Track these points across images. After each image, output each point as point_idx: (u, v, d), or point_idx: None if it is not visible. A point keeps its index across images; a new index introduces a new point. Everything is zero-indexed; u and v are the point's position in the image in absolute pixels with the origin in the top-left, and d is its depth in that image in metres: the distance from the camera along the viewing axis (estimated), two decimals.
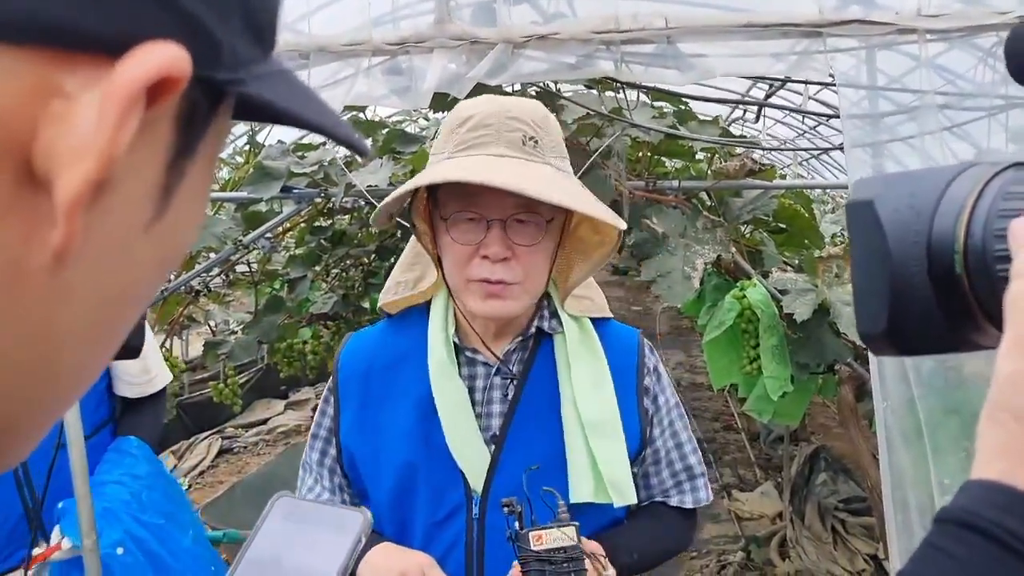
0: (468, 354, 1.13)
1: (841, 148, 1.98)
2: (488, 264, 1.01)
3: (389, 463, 1.11)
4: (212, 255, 2.93)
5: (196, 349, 6.48)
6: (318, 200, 2.58)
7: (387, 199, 1.02)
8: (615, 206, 2.23)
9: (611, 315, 1.22)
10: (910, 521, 1.63)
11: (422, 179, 0.98)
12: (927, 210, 0.44)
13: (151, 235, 0.27)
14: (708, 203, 2.51)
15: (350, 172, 2.50)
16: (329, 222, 3.34)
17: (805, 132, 5.81)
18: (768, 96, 3.75)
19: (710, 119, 2.80)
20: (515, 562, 0.94)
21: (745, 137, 4.50)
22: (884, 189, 0.46)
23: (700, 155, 2.84)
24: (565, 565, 0.89)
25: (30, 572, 1.66)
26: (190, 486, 5.14)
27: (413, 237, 1.16)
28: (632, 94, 2.44)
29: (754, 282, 2.43)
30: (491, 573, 1.06)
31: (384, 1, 2.00)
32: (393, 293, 1.21)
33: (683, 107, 2.64)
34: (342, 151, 3.12)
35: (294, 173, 2.50)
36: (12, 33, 0.21)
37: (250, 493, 4.10)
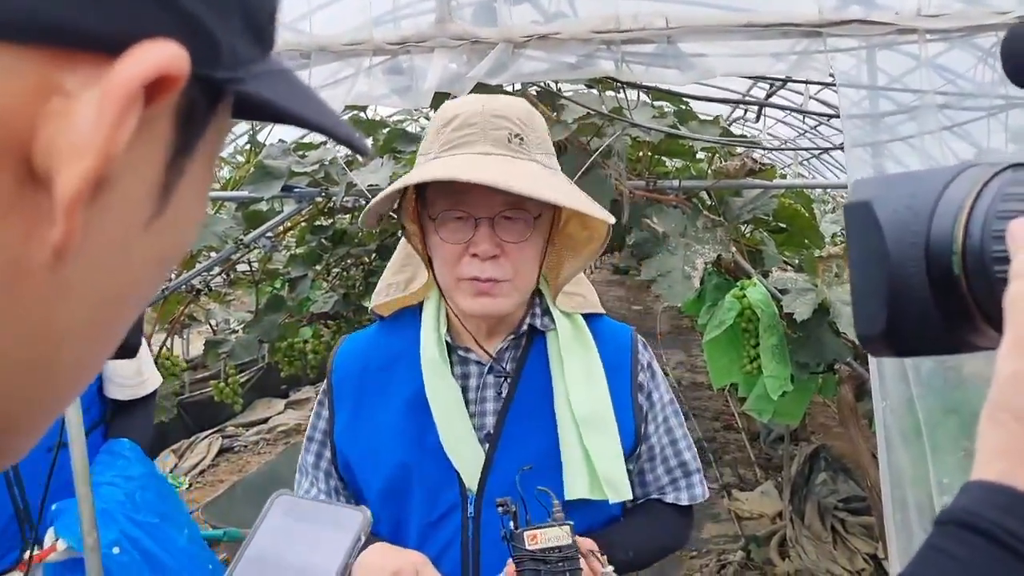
0: (461, 353, 1.13)
1: (841, 148, 1.99)
2: (478, 262, 1.02)
3: (383, 463, 1.11)
4: (213, 254, 2.93)
5: (197, 348, 6.49)
6: (319, 199, 2.59)
7: (374, 200, 1.03)
8: (615, 205, 2.23)
9: (603, 311, 1.22)
10: (909, 520, 1.64)
11: (409, 179, 0.99)
12: (925, 211, 0.44)
13: (151, 233, 0.28)
14: (708, 203, 2.52)
15: (351, 171, 2.50)
16: (330, 221, 3.34)
17: (806, 132, 5.81)
18: (769, 96, 3.75)
19: (710, 119, 2.80)
20: (509, 560, 0.94)
21: (746, 137, 4.50)
22: (882, 190, 0.46)
23: (700, 155, 2.84)
24: (560, 564, 0.89)
25: (25, 574, 1.67)
26: (191, 485, 5.14)
27: (403, 239, 1.17)
28: (632, 94, 2.44)
29: (754, 281, 2.44)
30: (487, 572, 1.06)
31: (385, 1, 2.01)
32: (384, 295, 1.21)
33: (683, 107, 2.64)
34: (343, 150, 3.12)
35: (295, 172, 2.51)
36: (13, 32, 0.21)
37: (250, 492, 4.10)
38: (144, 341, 2.43)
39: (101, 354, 0.30)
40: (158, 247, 0.29)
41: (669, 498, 1.21)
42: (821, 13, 1.68)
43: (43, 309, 0.24)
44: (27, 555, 1.66)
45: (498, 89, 2.01)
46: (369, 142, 3.05)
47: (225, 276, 3.62)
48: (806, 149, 5.63)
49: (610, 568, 0.96)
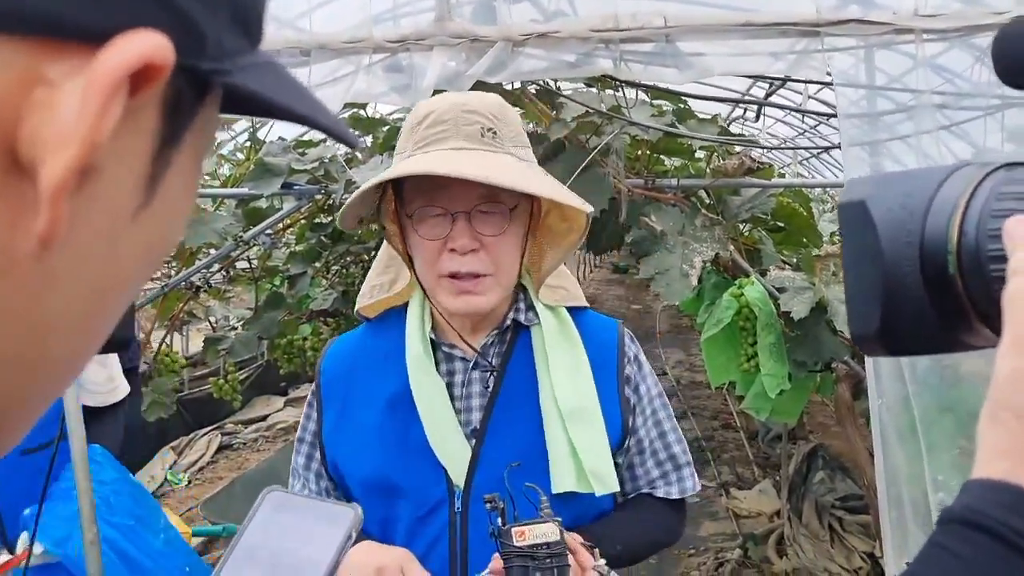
0: (445, 349, 1.13)
1: (839, 147, 1.99)
2: (457, 257, 1.02)
3: (369, 462, 1.11)
4: (213, 251, 2.93)
5: (196, 345, 6.49)
6: (319, 197, 2.59)
7: (349, 200, 1.03)
8: (614, 204, 2.24)
9: (587, 304, 1.22)
10: (904, 518, 1.65)
11: (381, 177, 0.99)
12: (920, 210, 0.44)
13: (138, 224, 0.28)
14: (707, 201, 2.52)
15: (350, 169, 2.50)
16: (329, 219, 3.34)
17: (805, 131, 5.81)
18: (768, 95, 3.76)
19: (709, 118, 2.81)
20: (495, 554, 0.94)
21: (744, 136, 4.50)
22: (876, 189, 0.46)
23: (699, 153, 2.85)
24: (548, 561, 0.89)
25: None
26: (190, 482, 5.15)
27: (386, 241, 1.17)
28: (631, 92, 2.45)
29: (752, 280, 2.44)
30: (475, 566, 1.06)
31: None
32: (369, 297, 1.21)
33: (682, 105, 2.64)
34: (342, 148, 3.12)
35: (295, 170, 2.51)
36: None
37: (250, 488, 4.12)
38: (112, 350, 2.44)
39: (89, 347, 0.30)
40: (146, 238, 0.29)
41: (660, 492, 1.21)
42: (819, 13, 1.68)
43: (30, 300, 0.24)
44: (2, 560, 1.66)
45: (497, 87, 2.01)
46: (369, 140, 3.05)
47: (225, 273, 3.63)
48: (804, 148, 5.64)
49: (602, 561, 0.96)
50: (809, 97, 3.74)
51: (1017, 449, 0.38)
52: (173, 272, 3.14)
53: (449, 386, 1.11)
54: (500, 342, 1.14)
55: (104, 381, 1.98)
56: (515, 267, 1.08)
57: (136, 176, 0.27)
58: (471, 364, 1.12)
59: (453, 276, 1.03)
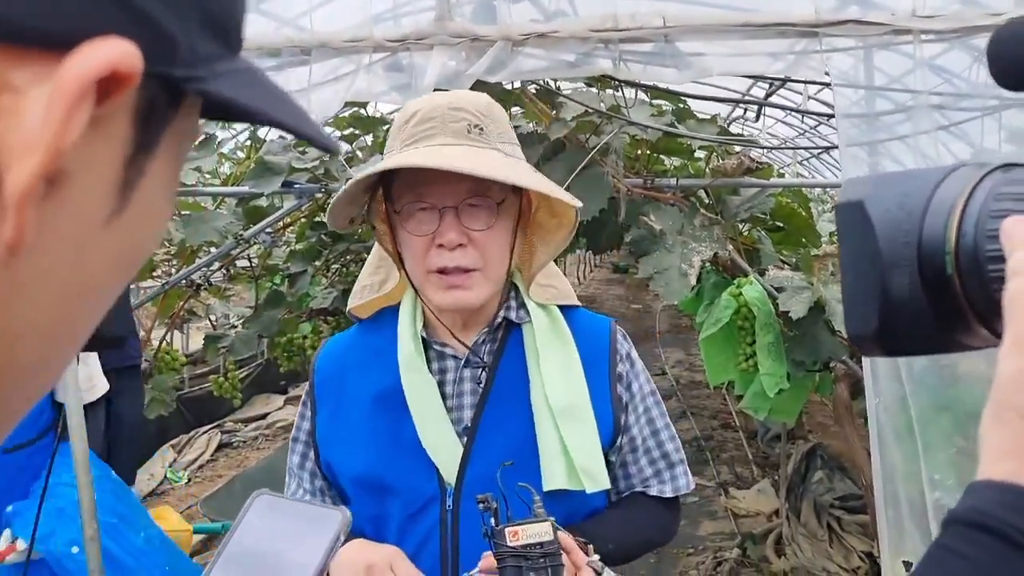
0: (437, 348, 1.13)
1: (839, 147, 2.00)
2: (446, 252, 1.02)
3: (362, 460, 1.11)
4: (213, 249, 2.94)
5: (196, 343, 6.50)
6: (319, 195, 2.60)
7: (336, 197, 1.04)
8: (613, 203, 2.25)
9: (578, 303, 1.22)
10: (901, 516, 1.65)
11: (366, 172, 1.00)
12: (917, 211, 0.44)
13: (111, 231, 0.27)
14: (706, 201, 2.53)
15: (351, 168, 2.51)
16: None
17: (806, 132, 5.82)
18: (768, 96, 3.76)
19: (708, 117, 2.81)
20: (485, 553, 0.93)
21: (744, 136, 4.51)
22: (874, 190, 0.46)
23: (699, 153, 2.85)
24: (542, 560, 0.88)
25: None
26: (190, 479, 5.16)
27: (377, 243, 1.18)
28: (631, 92, 2.46)
29: (751, 279, 2.45)
30: (466, 563, 1.06)
31: None
32: (359, 297, 1.22)
33: (681, 105, 2.65)
34: (343, 146, 3.13)
35: (295, 168, 2.52)
36: None
37: (249, 486, 4.10)
38: (106, 348, 2.45)
39: (63, 353, 0.29)
40: (119, 245, 0.29)
41: (653, 491, 1.20)
42: (817, 13, 1.69)
43: None
44: None
45: (497, 87, 2.02)
46: (369, 139, 3.06)
47: (225, 271, 3.63)
48: (803, 148, 5.64)
49: (596, 556, 0.96)
50: (809, 98, 3.75)
51: (1021, 449, 0.38)
52: (174, 270, 3.15)
53: (440, 384, 1.11)
54: (492, 340, 1.14)
55: (83, 379, 1.98)
56: (504, 262, 1.08)
57: (107, 183, 0.27)
58: (462, 362, 1.12)
59: (441, 272, 1.03)
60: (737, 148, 2.69)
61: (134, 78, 0.24)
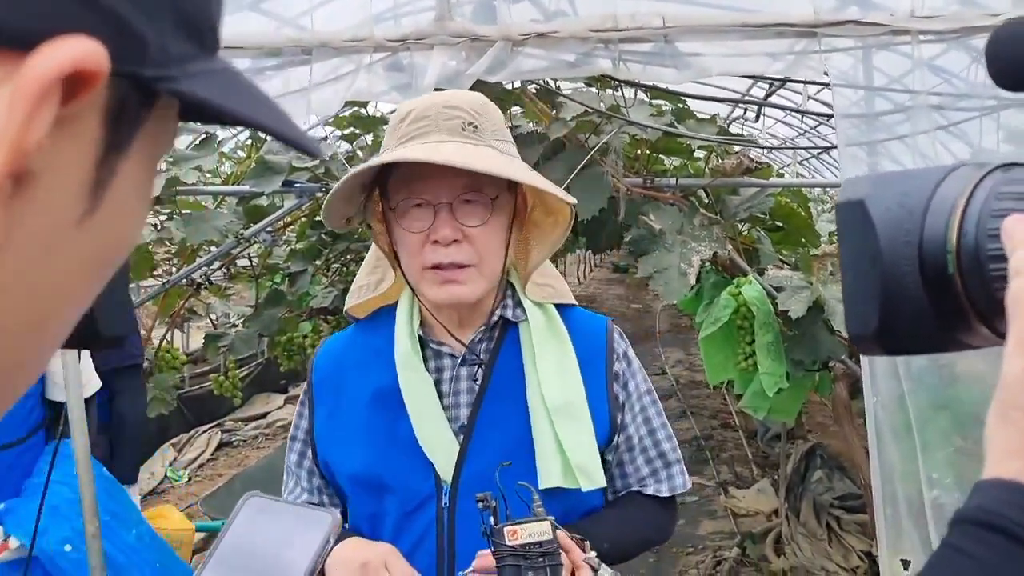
0: (434, 346, 1.14)
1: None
2: (441, 248, 1.02)
3: (360, 457, 1.12)
4: (213, 248, 2.94)
5: (196, 342, 6.51)
6: (319, 195, 2.60)
7: (331, 194, 1.04)
8: (613, 203, 2.25)
9: (575, 302, 1.23)
10: (899, 515, 1.66)
11: (363, 166, 1.01)
12: (918, 210, 0.44)
13: (84, 231, 0.27)
14: (705, 200, 2.53)
15: (351, 167, 2.51)
16: None
17: (805, 132, 5.82)
18: (768, 96, 3.77)
19: (708, 117, 2.82)
20: (481, 552, 0.94)
21: (744, 136, 4.51)
22: (874, 189, 0.46)
23: (698, 153, 2.86)
24: (540, 560, 0.88)
25: None
26: (190, 478, 5.17)
27: (373, 242, 1.18)
28: (631, 92, 2.46)
29: (750, 279, 2.45)
30: (461, 561, 1.06)
31: None
32: (356, 297, 1.23)
33: (681, 105, 2.66)
34: (344, 146, 3.14)
35: (296, 167, 2.52)
36: None
37: (249, 485, 4.10)
38: (105, 347, 2.45)
39: (39, 354, 0.29)
40: (92, 246, 0.28)
41: (650, 490, 1.20)
42: (816, 14, 1.70)
43: None
44: None
45: (498, 87, 2.03)
46: (369, 138, 3.06)
47: (225, 270, 3.64)
48: (803, 148, 5.65)
49: (592, 553, 0.96)
50: (809, 98, 3.76)
51: None
52: (174, 269, 3.16)
53: (437, 383, 1.12)
54: (488, 339, 1.15)
55: None
56: (499, 259, 1.08)
57: (77, 183, 0.26)
58: (459, 361, 1.13)
59: (437, 268, 1.03)
60: (736, 148, 2.69)
61: (100, 77, 0.24)
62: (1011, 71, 0.43)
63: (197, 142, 2.86)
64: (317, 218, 3.32)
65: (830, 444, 4.49)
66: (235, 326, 3.74)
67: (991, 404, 0.40)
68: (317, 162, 2.56)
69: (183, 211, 2.89)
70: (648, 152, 2.61)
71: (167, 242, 3.05)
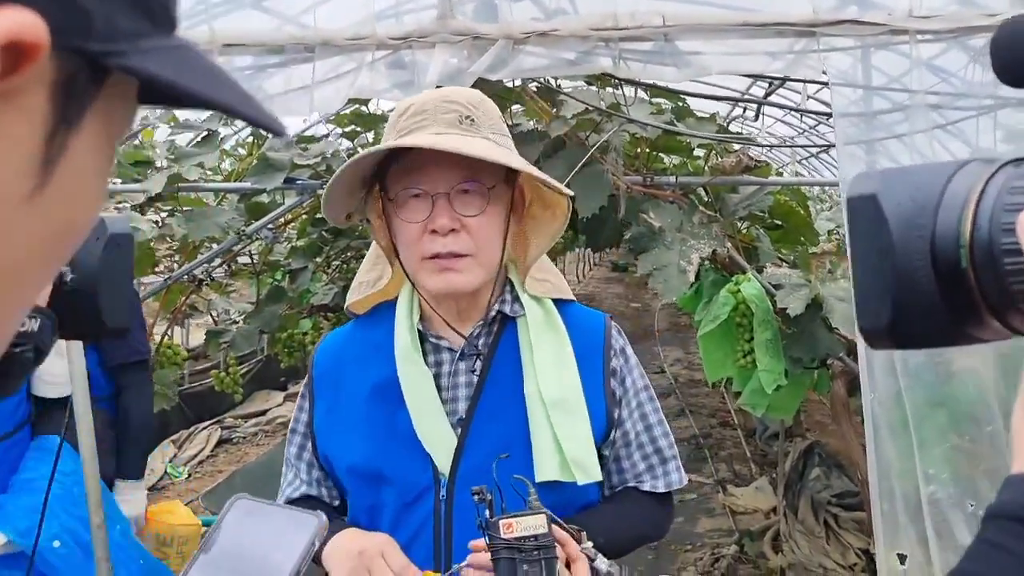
0: (433, 340, 1.15)
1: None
2: (438, 238, 1.04)
3: (358, 449, 1.13)
4: (215, 245, 2.96)
5: (196, 339, 6.52)
6: (320, 192, 2.61)
7: (329, 184, 1.05)
8: (612, 200, 2.26)
9: (573, 297, 1.24)
10: (895, 511, 1.67)
11: (361, 155, 1.02)
12: (930, 204, 0.44)
13: (35, 206, 0.27)
14: (705, 198, 2.55)
15: None
16: None
17: (805, 131, 5.83)
18: (767, 95, 3.78)
19: (707, 116, 2.83)
20: (473, 541, 0.95)
21: (743, 135, 4.52)
22: (885, 184, 0.46)
23: (698, 151, 2.87)
24: (535, 553, 0.89)
25: None
26: (190, 475, 5.18)
27: (372, 238, 1.20)
28: (631, 90, 2.47)
29: (748, 277, 2.47)
30: (458, 553, 1.07)
31: None
32: (356, 293, 1.24)
33: (681, 104, 2.67)
34: (345, 143, 3.15)
35: (297, 164, 2.54)
36: None
37: (249, 481, 4.15)
38: (108, 337, 2.45)
39: None
40: (45, 222, 0.28)
41: (646, 486, 1.21)
42: (815, 13, 1.71)
43: None
44: None
45: (498, 84, 2.04)
46: (370, 136, 3.07)
47: (226, 267, 3.65)
48: (801, 147, 5.66)
49: (589, 544, 0.97)
50: (808, 97, 3.76)
51: None
52: (176, 265, 3.17)
53: (436, 376, 1.13)
54: (487, 333, 1.16)
55: (63, 372, 1.98)
56: (496, 249, 1.09)
57: (24, 158, 0.26)
58: (457, 355, 1.14)
59: (435, 257, 1.05)
60: (736, 146, 2.71)
61: (41, 50, 0.23)
62: (1014, 67, 0.44)
63: (199, 139, 2.87)
64: (318, 215, 3.34)
65: (828, 442, 4.50)
66: (236, 323, 3.75)
67: (1017, 400, 0.41)
68: (319, 159, 2.57)
69: (185, 208, 2.90)
70: (648, 150, 2.62)
71: (169, 238, 3.06)
